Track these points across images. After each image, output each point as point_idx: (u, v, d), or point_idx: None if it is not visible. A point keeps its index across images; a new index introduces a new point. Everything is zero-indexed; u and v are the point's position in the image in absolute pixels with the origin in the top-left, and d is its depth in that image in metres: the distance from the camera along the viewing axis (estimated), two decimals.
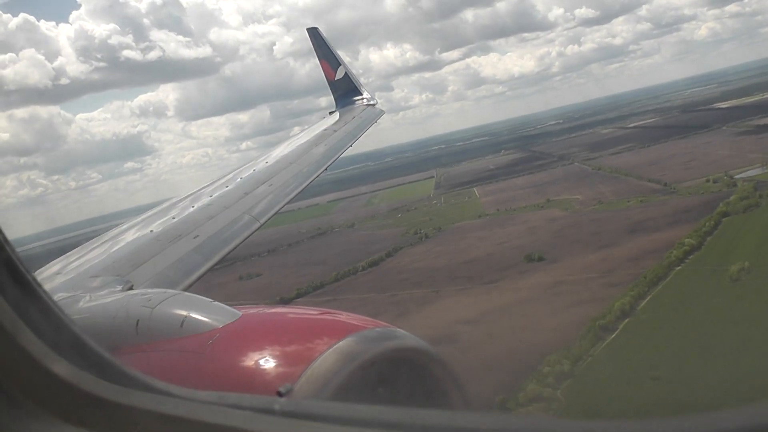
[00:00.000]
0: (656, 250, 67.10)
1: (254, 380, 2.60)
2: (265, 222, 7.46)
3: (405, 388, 2.71)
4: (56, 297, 3.80)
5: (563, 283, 63.77)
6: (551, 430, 1.27)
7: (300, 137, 12.37)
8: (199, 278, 5.70)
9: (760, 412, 1.07)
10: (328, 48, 16.44)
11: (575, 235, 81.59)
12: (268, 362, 2.67)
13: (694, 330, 46.02)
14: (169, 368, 2.85)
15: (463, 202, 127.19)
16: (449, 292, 69.26)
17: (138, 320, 3.27)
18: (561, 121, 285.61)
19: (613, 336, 48.66)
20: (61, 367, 1.95)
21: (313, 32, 16.58)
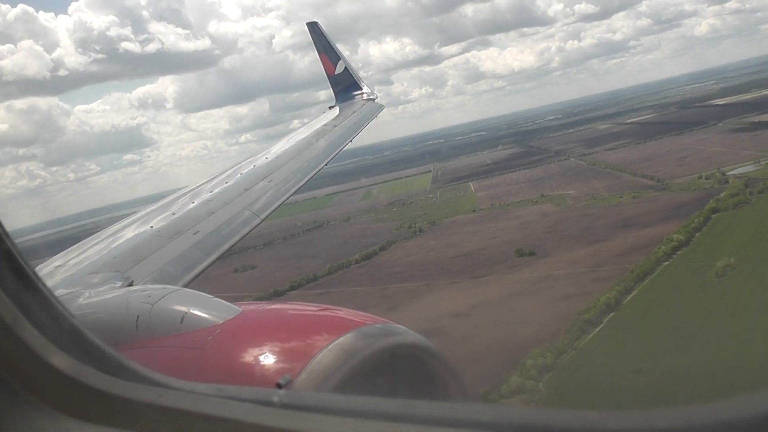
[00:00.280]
0: (645, 245, 67.67)
1: (254, 376, 2.61)
2: (266, 218, 7.45)
3: (405, 384, 2.72)
4: (56, 293, 3.72)
5: (552, 277, 64.39)
6: (550, 420, 1.28)
7: (300, 132, 12.33)
8: (199, 274, 5.72)
9: (750, 403, 1.08)
10: (328, 42, 16.48)
11: (567, 231, 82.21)
12: (268, 358, 2.67)
13: (677, 324, 46.58)
14: (170, 364, 2.82)
15: (459, 197, 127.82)
16: (440, 286, 69.91)
17: (138, 316, 3.29)
18: (560, 117, 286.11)
19: (598, 329, 49.30)
20: (62, 361, 1.96)
21: (313, 27, 16.60)
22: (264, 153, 10.28)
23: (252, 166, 9.12)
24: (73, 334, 2.10)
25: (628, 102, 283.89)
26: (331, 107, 15.08)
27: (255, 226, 7.13)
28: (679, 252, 63.74)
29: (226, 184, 8.17)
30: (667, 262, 61.61)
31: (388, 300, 68.35)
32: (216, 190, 7.87)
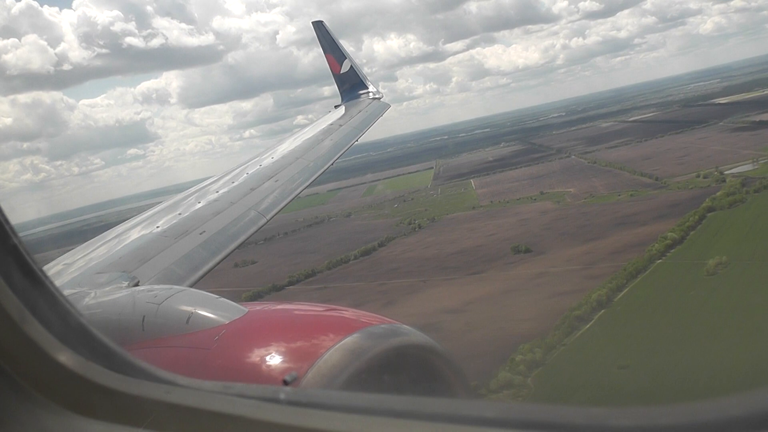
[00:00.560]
0: (640, 243, 68.13)
1: (261, 376, 2.62)
2: (272, 218, 7.45)
3: (411, 384, 2.73)
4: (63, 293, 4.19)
5: (546, 274, 65.01)
6: (555, 417, 1.30)
7: (306, 132, 12.33)
8: (205, 274, 5.72)
9: (753, 399, 1.11)
10: (334, 41, 16.44)
11: (564, 228, 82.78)
12: (274, 358, 2.68)
13: (666, 321, 47.24)
14: (176, 364, 2.82)
15: (459, 194, 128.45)
16: (436, 282, 70.60)
17: (144, 316, 3.30)
18: (563, 114, 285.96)
19: (588, 326, 49.91)
20: (69, 358, 1.96)
21: (319, 25, 16.54)
22: (270, 152, 10.27)
23: (258, 166, 9.13)
24: (80, 331, 2.11)
25: (631, 100, 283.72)
26: (336, 106, 15.10)
27: (261, 226, 7.16)
28: (672, 250, 64.21)
29: (233, 184, 8.20)
30: (660, 260, 62.15)
31: (386, 295, 69.14)
32: (222, 190, 7.89)
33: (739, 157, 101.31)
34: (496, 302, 59.82)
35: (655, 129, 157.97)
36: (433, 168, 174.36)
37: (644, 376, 39.29)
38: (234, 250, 6.47)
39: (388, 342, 2.70)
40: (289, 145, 11.00)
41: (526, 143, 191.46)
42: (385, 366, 2.64)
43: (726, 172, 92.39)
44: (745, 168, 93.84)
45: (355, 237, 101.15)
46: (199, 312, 3.15)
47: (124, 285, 4.53)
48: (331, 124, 12.58)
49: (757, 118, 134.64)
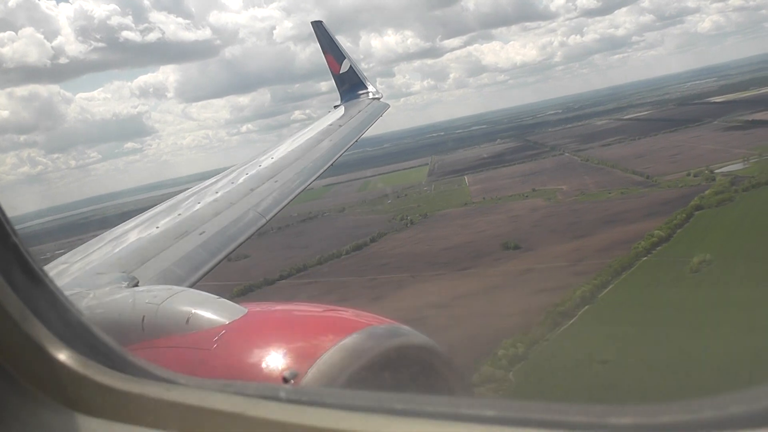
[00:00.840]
0: (627, 240, 68.63)
1: (261, 377, 2.63)
2: (271, 218, 7.47)
3: (410, 385, 2.72)
4: None
5: (533, 270, 65.54)
6: (555, 414, 1.30)
7: (305, 132, 12.34)
8: (205, 275, 5.72)
9: (753, 397, 1.12)
10: (333, 41, 16.46)
11: (553, 225, 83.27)
12: (274, 359, 2.68)
13: (647, 318, 47.80)
14: (176, 364, 2.74)
15: (452, 190, 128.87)
16: (425, 278, 71.02)
17: (144, 317, 3.29)
18: (560, 111, 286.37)
19: (571, 322, 50.47)
20: (68, 356, 1.96)
21: (318, 25, 16.56)
22: (270, 153, 10.30)
23: (258, 167, 9.16)
24: (80, 329, 2.11)
25: (627, 98, 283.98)
26: (336, 106, 15.15)
27: (261, 227, 7.18)
28: (658, 248, 64.79)
29: (232, 185, 8.23)
30: (645, 258, 62.70)
31: (374, 290, 69.65)
32: (222, 191, 7.90)
33: (730, 156, 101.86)
34: (483, 298, 60.34)
35: (650, 127, 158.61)
36: (428, 164, 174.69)
37: (622, 371, 39.94)
38: (234, 250, 6.48)
39: (388, 342, 2.71)
40: (288, 145, 11.10)
41: (521, 140, 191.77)
42: (386, 366, 2.65)
43: (716, 171, 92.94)
44: (735, 167, 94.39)
45: (347, 232, 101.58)
46: (199, 312, 3.15)
47: (124, 285, 4.53)
48: (331, 125, 12.62)
49: (751, 117, 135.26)
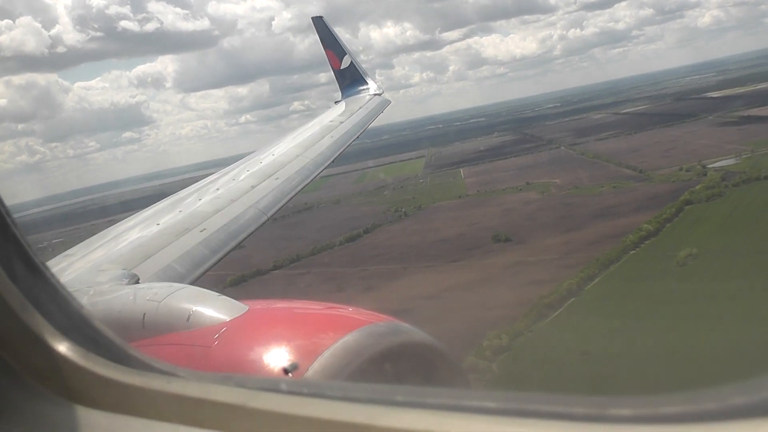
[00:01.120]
0: (617, 234, 69.27)
1: (261, 374, 2.63)
2: (272, 215, 7.52)
3: (410, 382, 2.74)
4: None
5: (523, 263, 66.21)
6: (556, 405, 1.28)
7: (307, 129, 12.35)
8: (206, 272, 5.75)
9: (757, 387, 1.12)
10: (334, 36, 16.43)
11: (545, 218, 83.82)
12: (275, 356, 2.68)
13: (631, 310, 48.54)
14: (177, 361, 2.69)
15: (448, 182, 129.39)
16: (416, 269, 71.75)
17: (144, 314, 3.30)
18: (558, 105, 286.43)
19: (557, 313, 51.15)
20: (69, 348, 1.95)
21: (318, 21, 16.54)
22: (271, 150, 10.33)
23: (259, 164, 9.19)
24: (80, 322, 2.10)
25: (625, 92, 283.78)
26: (337, 102, 15.12)
27: (262, 224, 7.20)
28: (647, 241, 65.44)
29: (233, 182, 8.28)
30: (633, 251, 63.36)
31: (366, 281, 70.34)
32: (223, 188, 7.95)
33: (723, 152, 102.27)
34: (472, 289, 61.02)
35: (646, 122, 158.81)
36: (424, 156, 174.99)
37: (603, 362, 40.68)
38: (234, 248, 6.52)
39: (388, 340, 2.74)
40: (289, 142, 11.13)
41: (518, 133, 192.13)
42: (386, 364, 2.68)
43: (708, 166, 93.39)
44: (727, 162, 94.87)
45: (342, 223, 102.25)
46: (200, 310, 3.17)
47: (125, 282, 4.56)
48: (332, 121, 12.63)
49: (746, 113, 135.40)
